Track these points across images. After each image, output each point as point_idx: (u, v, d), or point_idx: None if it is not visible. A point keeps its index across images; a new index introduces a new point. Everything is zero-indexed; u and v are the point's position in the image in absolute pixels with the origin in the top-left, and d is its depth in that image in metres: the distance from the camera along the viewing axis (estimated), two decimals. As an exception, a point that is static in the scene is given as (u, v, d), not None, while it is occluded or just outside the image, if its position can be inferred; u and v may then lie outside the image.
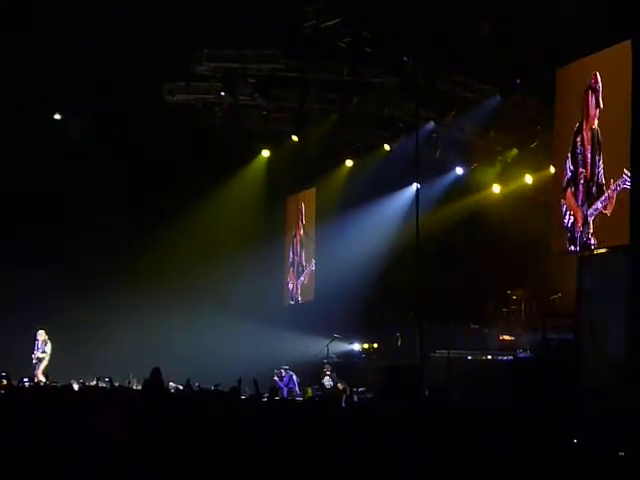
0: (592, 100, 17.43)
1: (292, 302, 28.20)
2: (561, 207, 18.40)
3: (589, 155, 17.65)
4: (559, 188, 18.45)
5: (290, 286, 28.54)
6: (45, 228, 24.19)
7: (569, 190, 18.30)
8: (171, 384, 18.51)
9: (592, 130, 17.55)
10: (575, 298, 18.39)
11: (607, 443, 10.33)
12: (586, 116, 17.64)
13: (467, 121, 22.57)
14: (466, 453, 8.95)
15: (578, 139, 17.93)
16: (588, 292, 17.78)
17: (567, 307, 20.13)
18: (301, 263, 28.18)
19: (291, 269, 28.68)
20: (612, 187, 16.77)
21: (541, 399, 15.80)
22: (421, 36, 19.42)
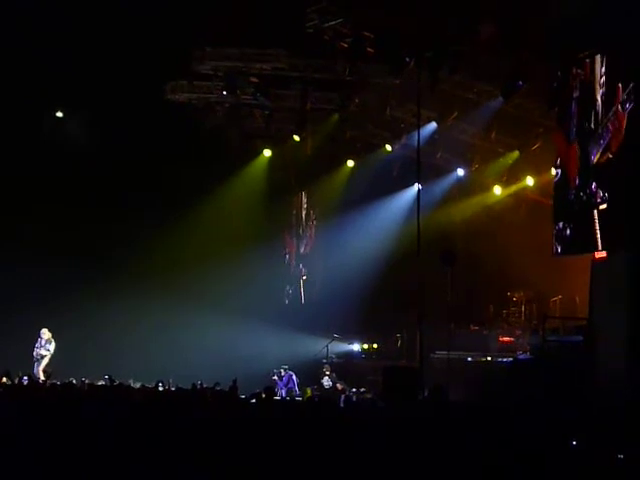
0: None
1: (287, 302, 27.91)
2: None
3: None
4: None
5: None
6: (47, 226, 24.13)
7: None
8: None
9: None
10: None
11: (607, 445, 10.32)
12: None
13: (469, 122, 22.60)
14: (464, 454, 8.95)
15: None
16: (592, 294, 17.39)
17: (567, 309, 20.14)
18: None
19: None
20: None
21: (541, 401, 15.77)
22: (423, 37, 19.43)
